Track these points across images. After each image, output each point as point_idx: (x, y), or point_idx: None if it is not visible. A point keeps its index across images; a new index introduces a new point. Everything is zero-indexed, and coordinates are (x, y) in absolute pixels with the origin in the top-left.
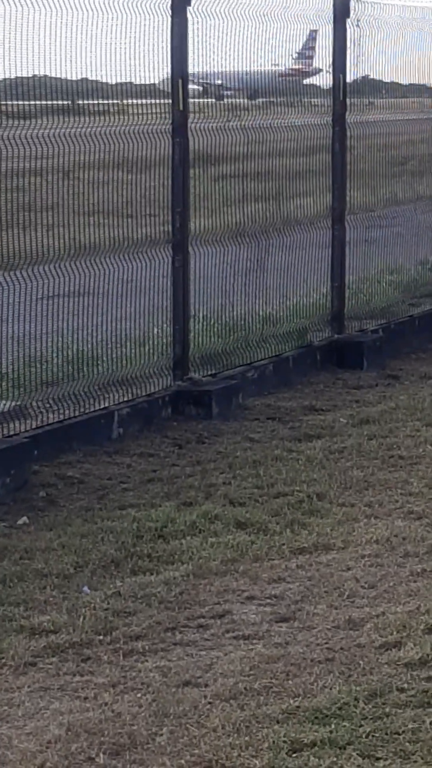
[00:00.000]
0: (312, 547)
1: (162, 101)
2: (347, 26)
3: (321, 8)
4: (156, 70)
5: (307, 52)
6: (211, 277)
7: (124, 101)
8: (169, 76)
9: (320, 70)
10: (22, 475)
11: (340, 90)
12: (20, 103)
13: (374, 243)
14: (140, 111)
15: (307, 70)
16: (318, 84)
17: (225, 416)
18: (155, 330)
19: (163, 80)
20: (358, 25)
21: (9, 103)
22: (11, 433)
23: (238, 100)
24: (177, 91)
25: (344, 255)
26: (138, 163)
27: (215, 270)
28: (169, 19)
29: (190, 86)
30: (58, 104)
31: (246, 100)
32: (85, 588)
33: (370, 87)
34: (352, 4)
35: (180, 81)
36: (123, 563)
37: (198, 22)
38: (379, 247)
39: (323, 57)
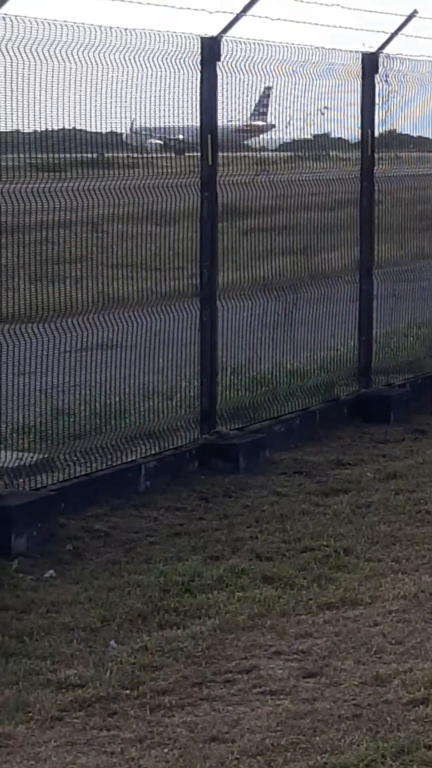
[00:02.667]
0: (339, 602)
1: (192, 154)
2: (376, 81)
3: (349, 63)
4: (179, 122)
5: (261, 108)
6: (239, 331)
7: (152, 154)
8: (198, 130)
9: (273, 126)
10: (49, 528)
11: (368, 145)
12: (49, 156)
13: (401, 297)
14: (169, 164)
15: (261, 126)
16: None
17: (252, 470)
18: (183, 383)
19: (127, 133)
20: (387, 81)
21: (38, 156)
22: (38, 485)
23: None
24: (206, 145)
25: (371, 309)
26: (166, 217)
27: (243, 323)
28: (199, 74)
29: (152, 141)
30: (86, 157)
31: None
32: (112, 642)
33: (397, 141)
34: (380, 59)
35: (209, 136)
36: (150, 617)
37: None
38: (406, 301)
39: (352, 111)
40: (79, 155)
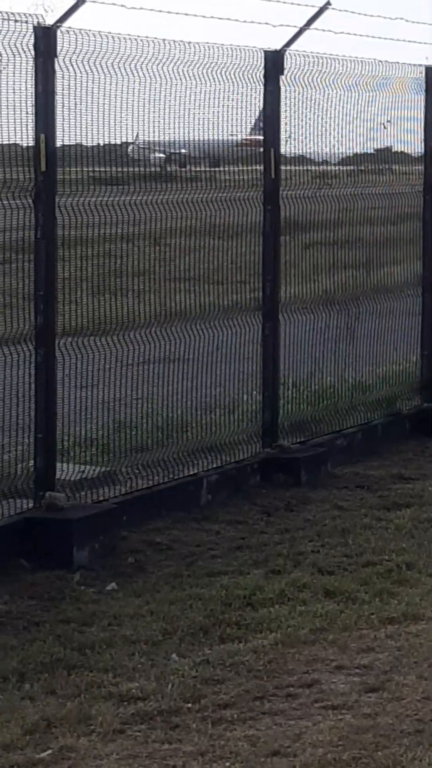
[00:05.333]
0: (401, 616)
1: (252, 167)
2: None
3: (412, 77)
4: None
5: (261, 123)
6: (301, 344)
7: (215, 168)
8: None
9: None
10: (111, 541)
11: None
12: (111, 169)
13: None
14: (231, 178)
15: (260, 141)
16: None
17: (313, 484)
18: (244, 397)
19: (133, 148)
20: None
21: (100, 170)
22: (100, 498)
23: (201, 169)
24: (269, 159)
25: None
26: (228, 230)
27: (305, 337)
28: (262, 88)
29: (157, 155)
30: (148, 171)
31: (210, 168)
32: (174, 656)
33: None
34: None
35: (272, 150)
36: (211, 631)
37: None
38: None
39: (415, 124)
40: (141, 168)
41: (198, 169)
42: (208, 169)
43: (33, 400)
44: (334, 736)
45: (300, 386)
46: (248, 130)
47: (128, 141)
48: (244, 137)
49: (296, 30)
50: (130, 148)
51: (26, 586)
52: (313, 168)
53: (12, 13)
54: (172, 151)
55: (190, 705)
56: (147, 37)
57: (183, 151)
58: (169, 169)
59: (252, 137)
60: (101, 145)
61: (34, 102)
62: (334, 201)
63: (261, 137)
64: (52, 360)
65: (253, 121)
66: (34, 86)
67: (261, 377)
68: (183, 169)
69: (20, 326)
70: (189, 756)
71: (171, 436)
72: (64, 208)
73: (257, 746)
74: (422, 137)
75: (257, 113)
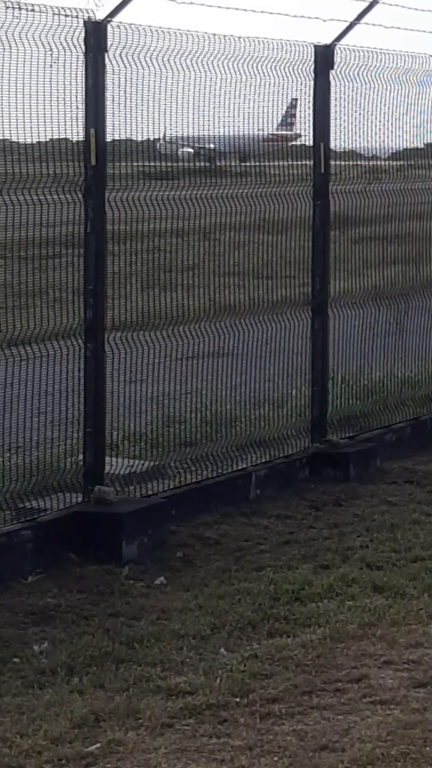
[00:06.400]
0: None
1: (303, 162)
2: None
3: None
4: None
5: (288, 119)
6: (350, 339)
7: (265, 163)
8: (311, 139)
9: (300, 136)
10: (160, 535)
11: None
12: (161, 164)
13: None
14: (280, 172)
15: (288, 135)
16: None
17: (362, 479)
18: (293, 391)
19: (162, 142)
20: None
21: (150, 164)
22: (149, 492)
23: (232, 163)
24: (319, 154)
25: None
26: (277, 225)
27: (354, 332)
28: (312, 82)
29: (185, 149)
30: (198, 166)
31: (238, 163)
32: (222, 650)
33: None
34: None
35: (321, 145)
36: (260, 625)
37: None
38: None
39: None
40: (190, 163)
41: (247, 163)
42: (257, 164)
43: (82, 395)
44: (383, 731)
45: (349, 381)
46: (287, 125)
47: (179, 136)
48: (271, 132)
49: (346, 25)
50: (159, 143)
51: (75, 579)
52: (362, 163)
53: (63, 8)
54: (207, 145)
55: (238, 699)
56: (197, 31)
57: (211, 146)
58: (218, 163)
59: (278, 132)
60: (151, 139)
61: (84, 96)
62: (384, 196)
63: (288, 132)
64: (101, 354)
65: (301, 115)
66: (84, 81)
67: (310, 372)
68: (233, 165)
69: (70, 320)
70: (237, 750)
71: (220, 431)
72: (114, 203)
73: (305, 741)
74: None
75: (286, 108)
